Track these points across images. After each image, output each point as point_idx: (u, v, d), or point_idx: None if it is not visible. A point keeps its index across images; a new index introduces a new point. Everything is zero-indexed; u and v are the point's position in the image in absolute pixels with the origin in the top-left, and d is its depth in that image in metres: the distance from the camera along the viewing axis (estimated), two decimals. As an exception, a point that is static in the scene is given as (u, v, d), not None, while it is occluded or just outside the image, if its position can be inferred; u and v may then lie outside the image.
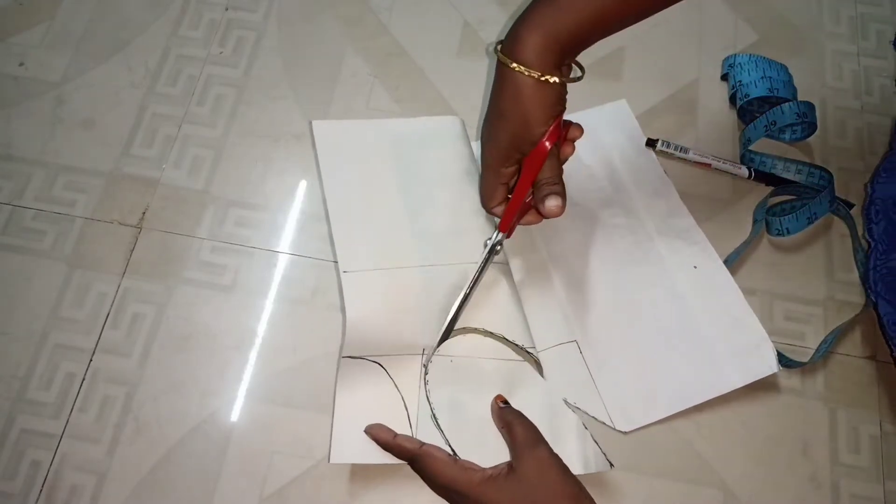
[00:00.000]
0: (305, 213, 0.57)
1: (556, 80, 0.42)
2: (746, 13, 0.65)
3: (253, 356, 0.53)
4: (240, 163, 0.59)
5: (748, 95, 0.58)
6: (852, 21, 0.65)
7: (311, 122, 0.59)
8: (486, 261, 0.49)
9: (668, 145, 0.58)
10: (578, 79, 0.44)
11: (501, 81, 0.43)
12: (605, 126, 0.60)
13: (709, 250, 0.55)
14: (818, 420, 0.51)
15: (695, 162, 0.58)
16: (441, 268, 0.52)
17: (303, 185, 0.58)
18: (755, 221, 0.57)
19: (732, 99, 0.61)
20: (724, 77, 0.62)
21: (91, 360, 0.53)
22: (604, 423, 0.50)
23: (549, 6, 0.41)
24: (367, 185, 0.56)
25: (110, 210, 0.57)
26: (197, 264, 0.55)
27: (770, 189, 0.58)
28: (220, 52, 0.63)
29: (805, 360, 0.52)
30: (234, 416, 0.51)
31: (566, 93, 0.44)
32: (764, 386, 0.52)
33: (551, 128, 0.44)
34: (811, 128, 0.59)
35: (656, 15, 0.65)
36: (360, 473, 0.49)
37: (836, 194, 0.56)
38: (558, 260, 0.55)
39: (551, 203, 0.45)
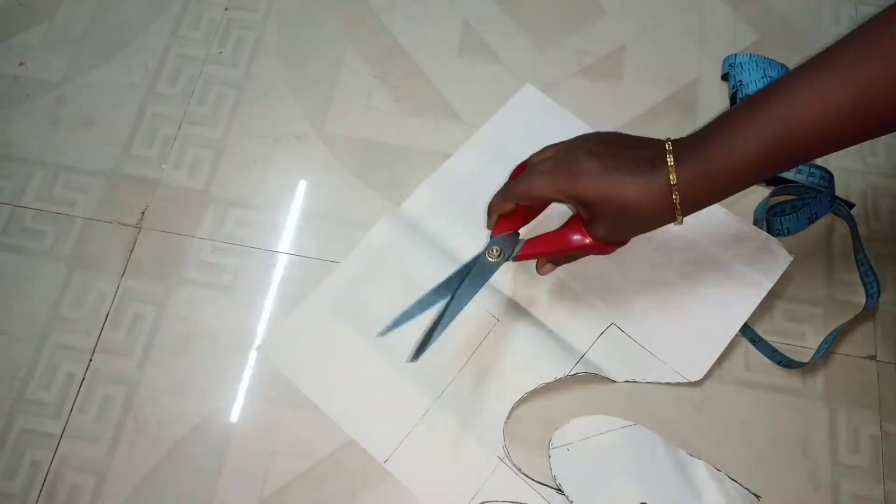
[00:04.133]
0: (305, 213, 0.57)
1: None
2: (746, 13, 0.65)
3: (253, 356, 0.53)
4: (240, 163, 0.59)
5: (749, 95, 0.58)
6: (852, 21, 0.65)
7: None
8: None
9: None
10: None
11: (656, 201, 0.40)
12: (527, 115, 0.60)
13: None
14: (818, 420, 0.51)
15: (695, 162, 0.58)
16: None
17: (302, 185, 0.58)
18: (756, 221, 0.57)
19: (733, 99, 0.61)
20: (725, 77, 0.62)
21: (91, 360, 0.53)
22: (678, 383, 0.51)
23: (725, 165, 0.39)
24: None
25: (110, 210, 0.57)
26: (197, 264, 0.55)
27: (770, 189, 0.58)
28: (220, 52, 0.63)
29: (805, 360, 0.52)
30: (234, 416, 0.51)
31: None
32: (764, 386, 0.52)
33: None
34: (811, 128, 0.58)
35: (656, 15, 0.65)
36: (361, 473, 0.49)
37: (837, 194, 0.56)
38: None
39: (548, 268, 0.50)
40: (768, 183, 0.58)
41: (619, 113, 0.61)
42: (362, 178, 0.58)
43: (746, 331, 0.53)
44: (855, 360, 0.53)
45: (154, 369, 0.52)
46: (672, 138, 0.41)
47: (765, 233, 0.55)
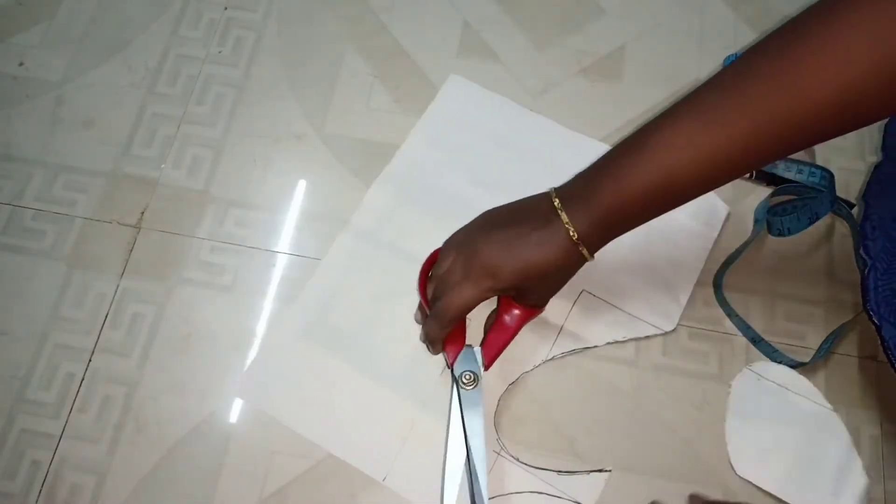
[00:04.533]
0: (305, 213, 0.57)
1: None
2: (746, 13, 0.65)
3: (253, 356, 0.53)
4: (240, 163, 0.59)
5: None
6: (853, 21, 0.65)
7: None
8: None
9: (669, 145, 0.58)
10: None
11: (567, 257, 0.42)
12: (461, 105, 0.60)
13: (600, 146, 0.58)
14: (818, 420, 0.51)
15: (695, 162, 0.58)
16: None
17: (302, 185, 0.58)
18: (756, 221, 0.57)
19: (733, 99, 0.61)
20: (725, 77, 0.62)
21: (90, 360, 0.53)
22: (656, 335, 0.52)
23: (615, 211, 0.40)
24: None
25: (110, 210, 0.57)
26: (196, 264, 0.55)
27: (771, 189, 0.58)
28: (220, 52, 0.63)
29: (806, 360, 0.52)
30: (234, 416, 0.51)
31: None
32: (764, 386, 0.52)
33: None
34: (811, 127, 0.58)
35: (656, 15, 0.65)
36: (360, 473, 0.49)
37: (837, 194, 0.56)
38: None
39: None
40: (768, 183, 0.58)
41: (619, 113, 0.61)
42: (362, 178, 0.58)
43: (747, 331, 0.53)
44: (855, 360, 0.53)
45: (154, 369, 0.52)
46: (556, 188, 0.43)
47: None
